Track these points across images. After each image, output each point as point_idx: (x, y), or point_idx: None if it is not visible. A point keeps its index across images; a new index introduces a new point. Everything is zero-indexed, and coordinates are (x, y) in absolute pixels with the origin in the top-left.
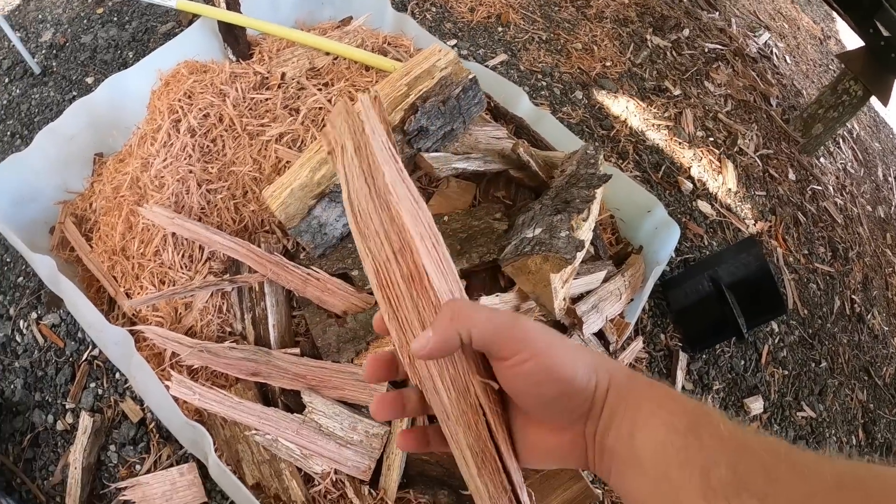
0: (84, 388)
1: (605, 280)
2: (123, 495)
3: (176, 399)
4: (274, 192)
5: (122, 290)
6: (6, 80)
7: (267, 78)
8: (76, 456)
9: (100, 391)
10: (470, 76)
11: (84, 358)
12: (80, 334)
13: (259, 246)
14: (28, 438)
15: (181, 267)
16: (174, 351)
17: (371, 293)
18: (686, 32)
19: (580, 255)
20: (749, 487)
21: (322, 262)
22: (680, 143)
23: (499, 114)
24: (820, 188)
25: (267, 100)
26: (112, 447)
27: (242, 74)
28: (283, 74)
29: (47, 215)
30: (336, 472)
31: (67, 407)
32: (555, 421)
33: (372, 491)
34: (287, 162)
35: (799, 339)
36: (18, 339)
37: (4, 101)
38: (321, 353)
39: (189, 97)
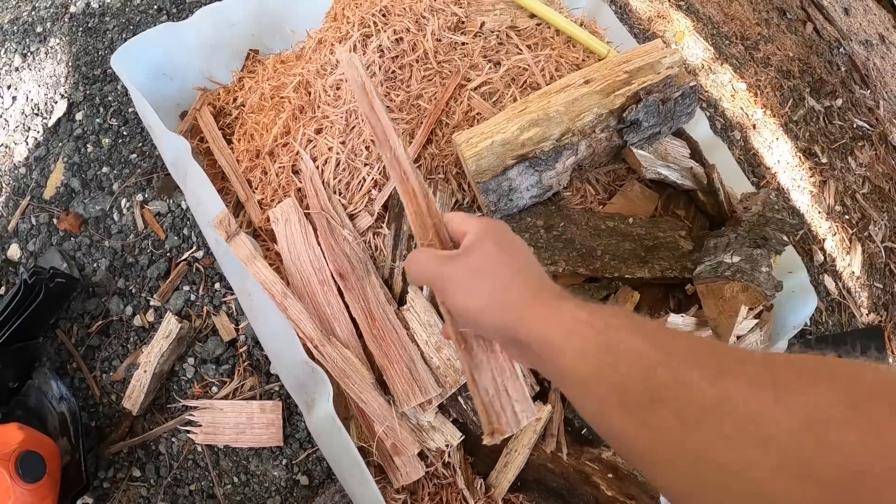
0: (176, 289)
1: (749, 330)
2: (191, 414)
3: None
4: (470, 139)
5: (255, 197)
6: None
7: (464, 22)
8: (150, 359)
9: (192, 297)
10: (691, 83)
11: (184, 257)
12: (186, 231)
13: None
14: (98, 324)
15: (336, 192)
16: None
17: None
18: (839, 102)
19: (773, 296)
20: (662, 398)
21: None
22: (819, 213)
23: (679, 132)
24: None
25: (464, 44)
26: (190, 360)
27: (440, 10)
28: (483, 24)
29: (182, 97)
30: (449, 455)
31: (152, 303)
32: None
33: (483, 484)
34: (478, 113)
35: None
36: (115, 217)
37: None
38: None
39: (385, 15)
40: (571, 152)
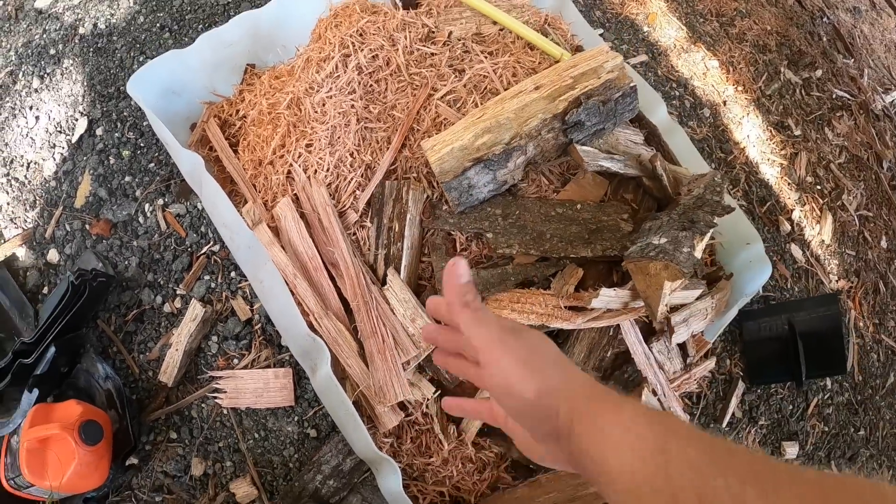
0: (198, 279)
1: (698, 298)
2: (217, 383)
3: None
4: (434, 146)
5: (260, 199)
6: None
7: (433, 32)
8: (180, 339)
9: (213, 285)
10: (631, 84)
11: (203, 251)
12: (203, 228)
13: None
14: (133, 313)
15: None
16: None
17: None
18: (819, 73)
19: (693, 272)
20: None
21: (462, 218)
22: (789, 184)
23: (635, 117)
24: None
25: (433, 55)
26: (214, 338)
27: (411, 24)
28: (450, 33)
29: (190, 111)
30: (427, 405)
31: (178, 292)
32: (531, 432)
33: (456, 430)
34: (444, 119)
35: (847, 401)
36: (141, 220)
37: None
38: None
39: (361, 35)
40: (521, 153)
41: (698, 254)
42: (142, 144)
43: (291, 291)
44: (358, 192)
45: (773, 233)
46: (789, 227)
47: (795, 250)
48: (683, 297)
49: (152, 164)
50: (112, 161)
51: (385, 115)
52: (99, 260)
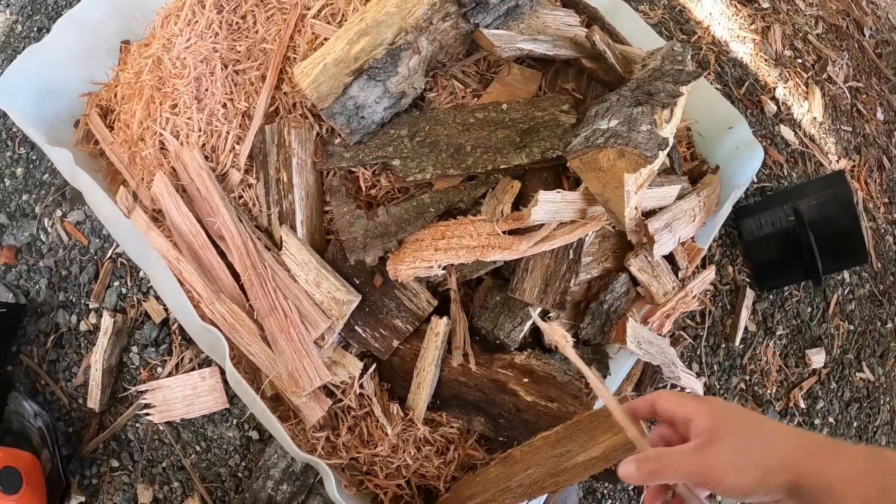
0: (107, 287)
1: (679, 197)
2: (144, 398)
3: (192, 300)
4: (305, 69)
5: (142, 180)
6: None
7: None
8: (97, 357)
9: (123, 290)
10: None
11: (108, 255)
12: (104, 231)
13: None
14: (52, 339)
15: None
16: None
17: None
18: None
19: (662, 156)
20: None
21: (359, 149)
22: (766, 61)
23: (570, 1)
24: None
25: None
26: (134, 348)
27: None
28: None
29: (72, 108)
30: (362, 385)
31: (91, 307)
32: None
33: (400, 410)
34: (325, 39)
35: (869, 293)
36: (43, 237)
37: None
38: (345, 249)
39: None
40: (411, 52)
41: (666, 133)
42: (34, 157)
43: (177, 278)
44: (237, 146)
45: (757, 115)
46: (775, 108)
47: (786, 132)
48: (659, 196)
49: (46, 175)
50: (7, 183)
51: (256, 52)
52: (9, 290)
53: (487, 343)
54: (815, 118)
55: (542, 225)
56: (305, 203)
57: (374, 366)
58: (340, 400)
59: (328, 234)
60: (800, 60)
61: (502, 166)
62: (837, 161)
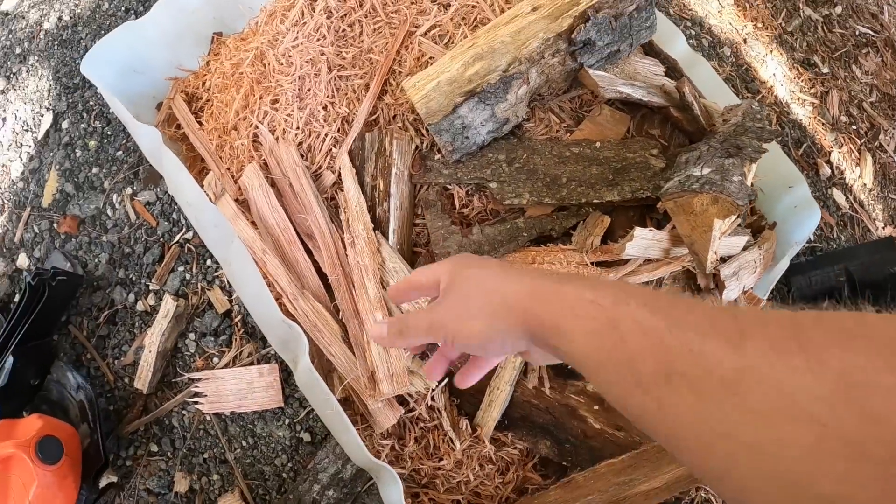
0: (171, 271)
1: (744, 248)
2: (196, 386)
3: (273, 294)
4: (417, 83)
5: (227, 170)
6: None
7: None
8: (153, 339)
9: (188, 276)
10: None
11: (176, 240)
12: (175, 215)
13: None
14: (105, 315)
15: (301, 155)
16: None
17: (506, 206)
18: (838, 10)
19: (747, 207)
20: (677, 373)
21: (458, 168)
22: (823, 125)
23: (652, 51)
24: None
25: None
26: (192, 335)
27: None
28: None
29: (156, 90)
30: (433, 398)
31: (151, 288)
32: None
33: (469, 426)
34: (431, 57)
35: None
36: (109, 212)
37: None
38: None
39: None
40: (521, 81)
41: (750, 183)
42: (108, 133)
43: (261, 270)
44: (334, 149)
45: (812, 177)
46: (829, 171)
47: (838, 195)
48: (730, 245)
49: (120, 153)
50: (79, 154)
51: (361, 60)
52: (67, 259)
53: (562, 369)
54: (864, 184)
55: (628, 260)
56: (399, 213)
57: (446, 379)
58: (412, 409)
59: (415, 247)
60: (854, 127)
61: (594, 200)
62: (884, 227)
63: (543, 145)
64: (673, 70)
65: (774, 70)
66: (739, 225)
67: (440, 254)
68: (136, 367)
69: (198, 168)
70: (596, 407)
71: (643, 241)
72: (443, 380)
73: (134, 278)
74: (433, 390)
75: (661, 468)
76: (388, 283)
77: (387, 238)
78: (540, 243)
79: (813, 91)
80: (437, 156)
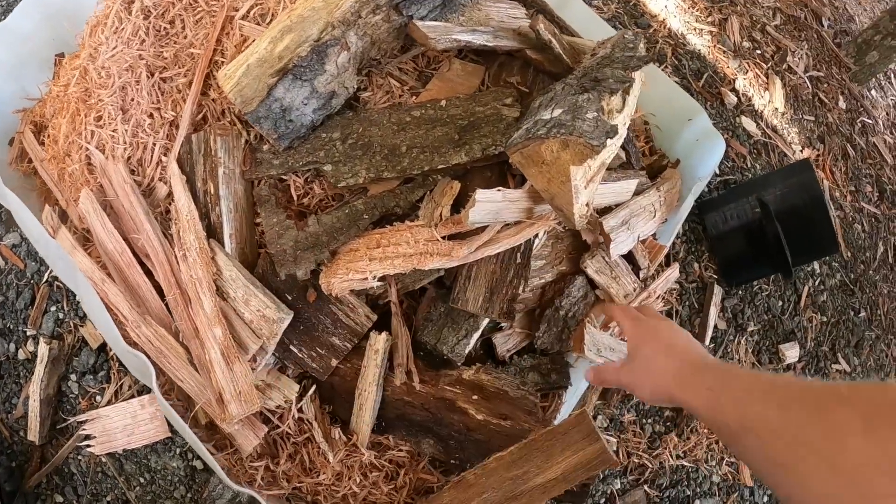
0: (45, 313)
1: (637, 193)
2: (83, 429)
3: (118, 323)
4: (228, 72)
5: (71, 198)
6: None
7: None
8: (34, 388)
9: (60, 315)
10: None
11: (44, 279)
12: (40, 254)
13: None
14: None
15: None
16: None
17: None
18: None
19: (611, 146)
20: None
21: (289, 155)
22: (724, 52)
23: None
24: (870, 122)
25: None
26: (73, 376)
27: None
28: None
29: (6, 125)
30: (301, 409)
31: (28, 334)
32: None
33: (342, 435)
34: (253, 41)
35: (840, 283)
36: None
37: None
38: (275, 263)
39: None
40: (339, 48)
41: (616, 121)
42: None
43: (103, 301)
44: (164, 158)
45: (717, 107)
46: (735, 99)
47: (748, 123)
48: (615, 193)
49: None
50: None
51: (183, 57)
52: None
53: (434, 358)
54: (776, 108)
55: (484, 228)
56: (234, 215)
57: (313, 388)
58: (277, 426)
59: (261, 248)
60: (759, 51)
61: (440, 166)
62: (801, 151)
63: (381, 114)
64: (541, 12)
65: (666, 2)
66: (627, 169)
67: (276, 253)
68: (27, 418)
69: (53, 200)
70: (475, 396)
71: (490, 205)
72: (306, 392)
73: (11, 326)
74: (298, 402)
75: (555, 457)
76: (227, 294)
77: (223, 245)
78: (383, 224)
79: (710, 19)
80: (266, 146)
